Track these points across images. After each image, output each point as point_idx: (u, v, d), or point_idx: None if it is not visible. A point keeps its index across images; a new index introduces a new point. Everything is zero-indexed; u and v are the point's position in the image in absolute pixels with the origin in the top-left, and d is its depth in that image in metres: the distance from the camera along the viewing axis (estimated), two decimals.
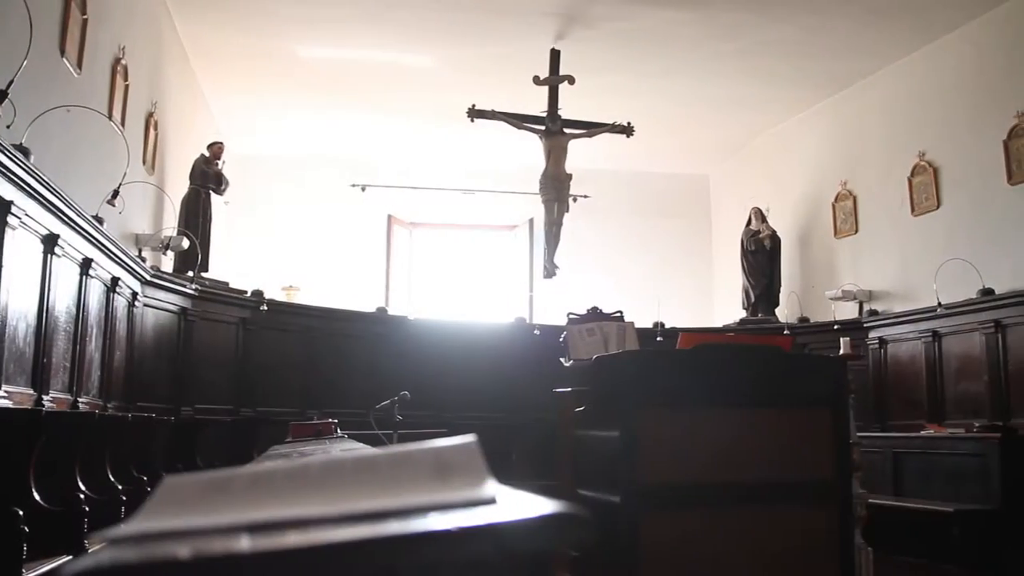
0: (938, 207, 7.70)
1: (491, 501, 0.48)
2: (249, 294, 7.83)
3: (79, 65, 5.11)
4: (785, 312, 9.36)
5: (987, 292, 6.82)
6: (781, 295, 9.43)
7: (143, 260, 6.34)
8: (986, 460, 5.59)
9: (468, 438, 0.54)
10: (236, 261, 9.63)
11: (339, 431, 4.52)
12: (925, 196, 7.83)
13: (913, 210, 7.97)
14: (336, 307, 8.63)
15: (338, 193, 10.84)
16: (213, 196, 7.76)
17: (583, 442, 3.88)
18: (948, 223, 7.59)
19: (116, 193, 5.41)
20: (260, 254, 10.16)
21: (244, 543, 0.42)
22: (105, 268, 5.48)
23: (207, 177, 7.70)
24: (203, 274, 7.36)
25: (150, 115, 6.89)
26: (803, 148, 9.72)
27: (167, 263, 7.34)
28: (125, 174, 5.54)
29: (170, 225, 7.24)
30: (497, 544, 0.44)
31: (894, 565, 5.44)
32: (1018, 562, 5.32)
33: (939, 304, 7.11)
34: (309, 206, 10.76)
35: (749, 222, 9.67)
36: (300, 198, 10.74)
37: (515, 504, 0.47)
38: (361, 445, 3.08)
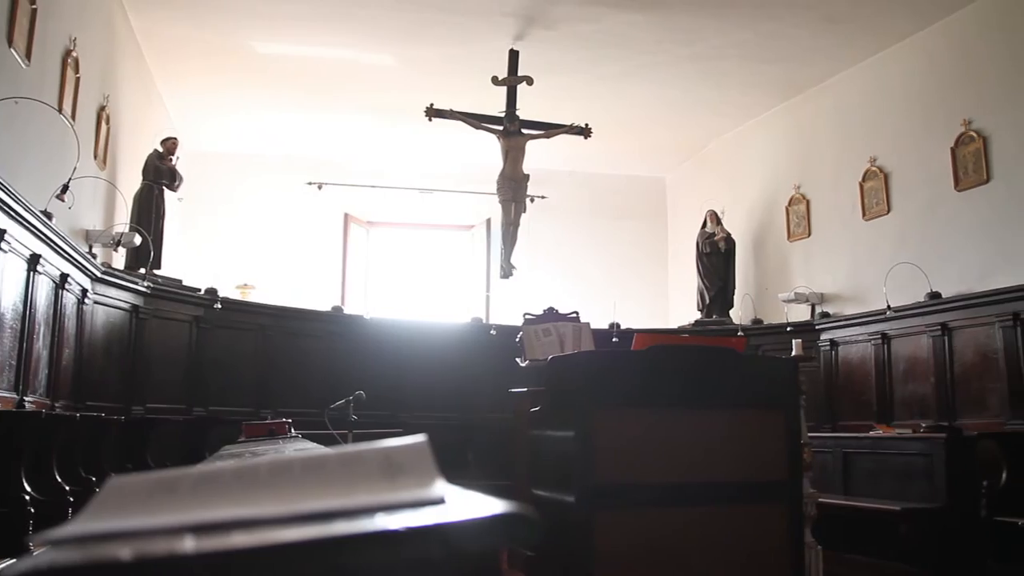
0: (888, 212, 7.85)
1: (439, 501, 0.48)
2: (203, 292, 7.73)
3: (28, 56, 5.01)
4: (739, 314, 9.47)
5: (934, 296, 6.96)
6: (735, 297, 9.54)
7: (93, 257, 6.22)
8: (932, 460, 5.71)
9: (418, 438, 0.54)
10: (190, 258, 9.50)
11: (293, 431, 4.48)
12: (876, 201, 7.98)
13: (864, 214, 8.11)
14: (291, 306, 8.56)
15: (294, 191, 10.75)
16: (166, 192, 7.64)
17: (538, 442, 3.89)
18: (898, 228, 7.73)
19: (66, 188, 5.31)
20: (214, 252, 10.03)
21: (188, 544, 0.42)
22: (54, 264, 5.37)
23: (160, 173, 7.59)
24: (155, 271, 7.24)
25: (102, 109, 6.77)
26: (758, 152, 9.84)
27: (118, 260, 7.22)
28: (75, 168, 5.44)
29: (122, 221, 7.12)
30: (444, 544, 0.44)
31: (843, 563, 5.53)
32: (963, 558, 5.44)
33: (888, 307, 7.24)
34: (265, 204, 10.65)
35: (704, 225, 9.76)
36: (256, 195, 10.63)
37: (463, 504, 0.47)
38: (314, 445, 3.06)
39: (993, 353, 6.41)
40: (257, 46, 8.14)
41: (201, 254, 9.84)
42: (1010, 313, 6.27)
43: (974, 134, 6.86)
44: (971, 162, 6.90)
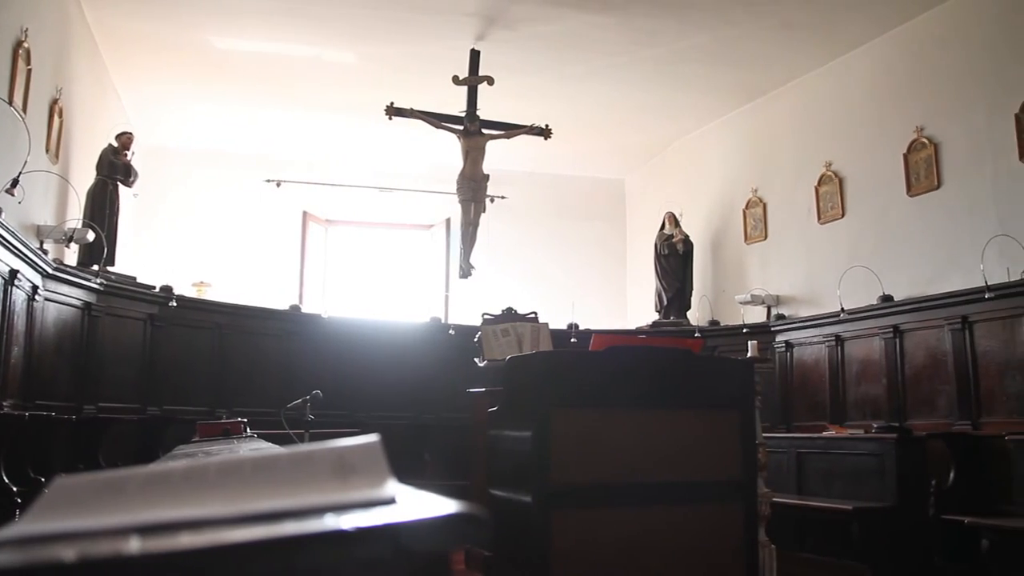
0: (843, 216, 7.97)
1: (390, 501, 0.48)
2: (158, 289, 7.62)
3: None
4: (696, 315, 9.56)
5: (886, 298, 7.09)
6: (693, 298, 9.63)
7: (45, 253, 6.10)
8: (883, 460, 5.80)
9: (370, 438, 0.54)
10: (145, 255, 9.36)
11: (248, 430, 4.43)
12: (831, 205, 8.10)
13: (819, 218, 8.23)
14: (248, 304, 8.47)
15: (252, 188, 10.63)
16: (121, 188, 7.52)
17: (496, 442, 3.89)
18: (852, 231, 7.86)
19: (16, 182, 5.20)
20: (170, 249, 9.90)
21: (134, 545, 0.41)
22: (3, 260, 5.26)
23: (115, 168, 7.46)
24: (109, 268, 7.12)
25: (55, 102, 6.64)
26: (716, 155, 9.94)
27: (71, 256, 7.08)
28: (26, 162, 5.33)
29: (74, 217, 6.99)
30: (395, 544, 0.43)
31: (796, 561, 5.61)
32: (911, 556, 5.54)
33: (842, 309, 7.36)
34: (222, 201, 10.52)
35: (663, 226, 9.84)
36: (212, 192, 10.50)
37: (414, 504, 0.47)
38: (269, 445, 3.03)
39: (942, 355, 6.54)
40: (215, 41, 8.04)
41: (156, 251, 9.70)
42: (959, 316, 6.40)
43: (926, 141, 7.00)
44: (923, 168, 7.04)
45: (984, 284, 6.10)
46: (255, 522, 0.45)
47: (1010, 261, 6.07)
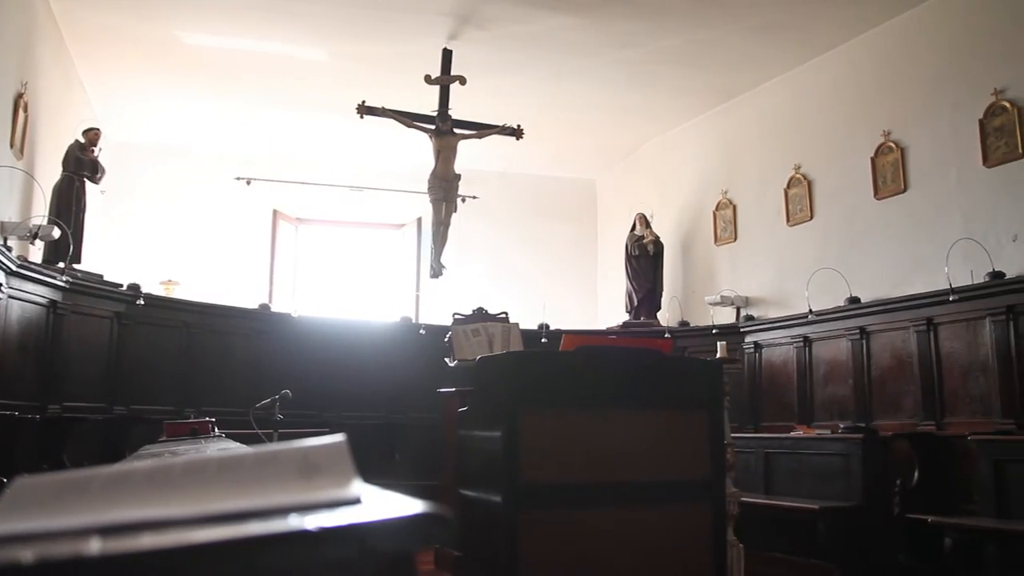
0: (811, 218, 8.05)
1: (355, 501, 0.48)
2: (125, 288, 7.53)
3: None
4: (667, 316, 9.61)
5: (854, 300, 7.17)
6: (663, 299, 9.67)
7: (9, 249, 6.01)
8: (849, 459, 5.87)
9: (336, 438, 0.54)
10: (112, 253, 9.25)
11: (216, 430, 4.40)
12: (799, 207, 8.17)
13: (788, 220, 8.31)
14: (217, 303, 8.40)
15: (221, 186, 10.54)
16: (88, 184, 7.42)
17: (466, 442, 3.89)
18: (820, 234, 7.94)
19: None
20: (138, 246, 9.79)
21: (94, 545, 0.41)
22: None
23: (82, 164, 7.36)
24: (75, 266, 7.03)
25: (19, 96, 6.54)
26: (687, 157, 9.99)
27: (36, 253, 6.98)
28: None
29: (40, 214, 6.89)
30: (359, 544, 0.43)
31: (764, 561, 5.65)
32: (877, 554, 5.61)
33: (810, 311, 7.43)
34: (191, 198, 10.41)
35: (634, 227, 9.88)
36: (181, 190, 10.39)
37: (380, 504, 0.47)
38: (237, 445, 3.00)
39: (908, 356, 6.62)
40: (184, 36, 7.96)
41: (124, 249, 9.59)
42: (924, 318, 6.49)
43: (893, 145, 7.09)
44: (890, 172, 7.13)
45: (949, 287, 6.19)
46: (219, 522, 0.45)
47: (974, 264, 6.17)
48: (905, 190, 7.00)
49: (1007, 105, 6.18)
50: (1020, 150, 6.06)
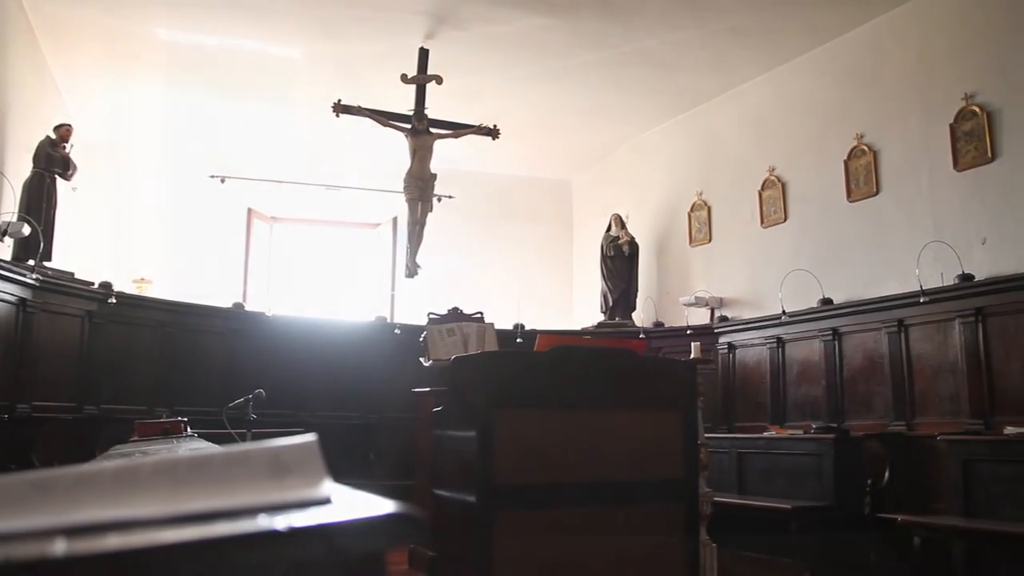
0: (785, 220, 8.11)
1: (325, 501, 0.48)
2: (96, 286, 7.46)
3: None
4: (641, 316, 9.64)
5: (826, 302, 7.23)
6: (638, 300, 9.71)
7: None
8: (821, 459, 5.93)
9: (307, 437, 0.54)
10: (83, 251, 9.15)
11: (189, 430, 4.36)
12: (774, 209, 8.23)
13: (762, 222, 8.37)
14: (190, 302, 8.34)
15: (196, 184, 10.44)
16: (59, 181, 7.34)
17: (441, 442, 3.89)
18: (793, 235, 8.00)
19: None
20: (110, 244, 9.69)
21: (60, 546, 0.41)
22: None
23: (53, 161, 7.28)
24: (45, 263, 6.95)
25: None
26: (662, 158, 10.04)
27: (5, 251, 6.89)
28: None
29: (9, 211, 6.80)
30: (328, 544, 0.43)
31: (737, 560, 5.69)
32: (847, 553, 5.66)
33: (783, 312, 7.48)
34: (164, 196, 10.32)
35: (609, 228, 9.91)
36: (155, 187, 10.29)
37: (350, 504, 0.47)
38: (209, 444, 2.98)
39: (879, 357, 6.69)
40: (160, 32, 7.89)
41: (95, 246, 9.49)
42: (895, 320, 6.56)
43: (866, 148, 7.16)
44: (862, 174, 7.21)
45: (919, 289, 6.26)
46: (187, 522, 0.45)
47: (944, 267, 6.25)
48: (877, 193, 7.07)
49: (977, 110, 6.26)
50: (989, 154, 6.14)
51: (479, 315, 7.59)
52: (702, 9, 7.24)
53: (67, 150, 7.46)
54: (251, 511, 0.45)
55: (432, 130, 8.47)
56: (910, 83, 6.89)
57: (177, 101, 9.44)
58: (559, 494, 3.38)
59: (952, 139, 6.40)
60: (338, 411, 8.33)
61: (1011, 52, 6.18)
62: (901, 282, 6.65)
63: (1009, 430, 5.31)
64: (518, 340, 8.78)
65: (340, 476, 0.50)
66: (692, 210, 9.41)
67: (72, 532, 0.43)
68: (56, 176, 7.30)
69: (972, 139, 6.29)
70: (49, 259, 7.08)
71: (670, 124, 9.93)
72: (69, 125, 7.58)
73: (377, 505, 0.47)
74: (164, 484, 0.51)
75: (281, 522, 0.43)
